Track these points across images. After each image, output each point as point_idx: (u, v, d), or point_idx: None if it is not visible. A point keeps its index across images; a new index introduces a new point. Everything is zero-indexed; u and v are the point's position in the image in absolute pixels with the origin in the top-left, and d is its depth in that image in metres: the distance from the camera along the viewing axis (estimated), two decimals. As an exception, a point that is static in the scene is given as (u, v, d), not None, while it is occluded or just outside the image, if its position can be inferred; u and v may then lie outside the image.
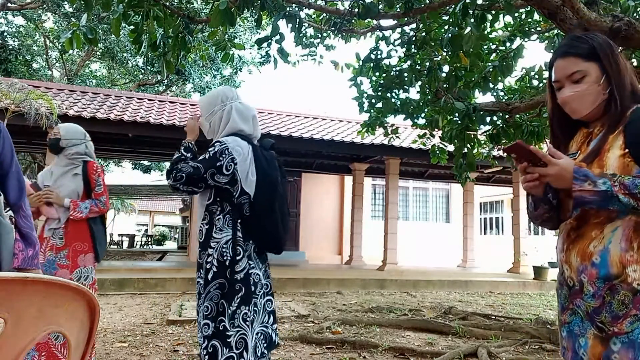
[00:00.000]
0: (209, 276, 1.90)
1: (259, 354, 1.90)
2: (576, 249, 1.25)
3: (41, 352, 2.61)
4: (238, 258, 1.91)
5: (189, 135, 2.14)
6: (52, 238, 2.75)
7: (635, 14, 4.00)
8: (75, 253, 2.73)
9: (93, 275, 2.80)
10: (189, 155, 2.02)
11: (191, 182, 1.91)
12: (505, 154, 1.33)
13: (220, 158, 1.92)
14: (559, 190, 1.30)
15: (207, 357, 1.83)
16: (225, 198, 1.97)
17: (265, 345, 1.95)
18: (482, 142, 6.10)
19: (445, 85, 4.75)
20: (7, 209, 1.59)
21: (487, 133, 5.47)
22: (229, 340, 1.82)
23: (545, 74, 5.08)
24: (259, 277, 1.97)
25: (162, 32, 4.25)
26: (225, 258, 1.90)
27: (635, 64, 4.44)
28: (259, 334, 1.93)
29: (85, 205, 2.79)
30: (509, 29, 5.14)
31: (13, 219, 1.60)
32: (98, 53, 16.49)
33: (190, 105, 11.13)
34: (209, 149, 1.97)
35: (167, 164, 18.01)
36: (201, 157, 1.96)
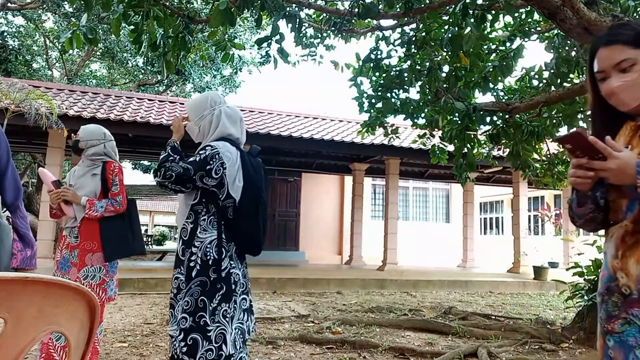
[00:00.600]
0: (192, 273, 1.98)
1: (238, 347, 2.01)
2: (635, 256, 1.15)
3: (41, 353, 2.61)
4: (221, 258, 2.00)
5: (175, 134, 2.20)
6: (69, 237, 2.80)
7: (635, 14, 4.00)
8: (83, 252, 2.76)
9: (101, 275, 2.78)
10: (176, 156, 2.07)
11: (180, 182, 1.98)
12: (562, 144, 1.19)
13: (211, 162, 1.99)
14: (610, 188, 1.21)
15: (185, 348, 1.90)
16: (211, 200, 2.05)
17: (242, 339, 2.06)
18: (482, 142, 6.11)
19: (445, 85, 4.75)
20: (4, 209, 1.59)
21: (487, 133, 5.47)
22: (209, 334, 1.92)
23: (546, 74, 5.08)
24: (238, 277, 2.07)
25: (162, 32, 4.25)
26: (208, 257, 1.98)
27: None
28: (237, 329, 2.04)
29: (101, 204, 2.82)
30: (509, 29, 5.14)
31: (10, 220, 1.60)
32: (98, 53, 16.49)
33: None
34: (200, 152, 2.03)
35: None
36: (192, 159, 2.02)
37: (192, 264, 1.99)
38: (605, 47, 1.24)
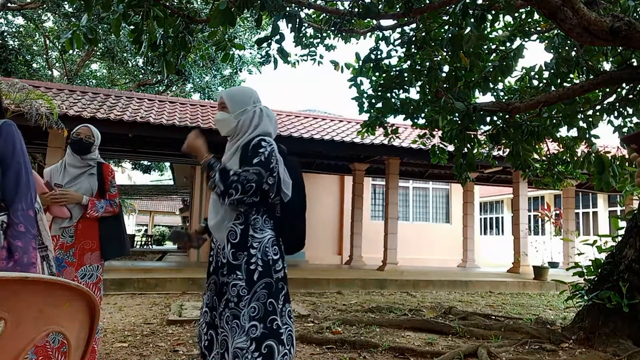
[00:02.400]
0: (255, 276, 1.87)
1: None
2: None
3: (39, 355, 2.61)
4: (278, 257, 1.95)
5: (203, 154, 1.99)
6: (62, 236, 2.78)
7: (635, 14, 4.00)
8: (82, 251, 2.77)
9: (98, 274, 2.82)
10: (228, 168, 1.92)
11: (258, 190, 1.88)
12: (627, 144, 1.16)
13: (272, 160, 1.92)
14: None
15: (260, 358, 1.79)
16: (262, 198, 1.96)
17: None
18: (482, 142, 6.10)
19: (445, 85, 4.75)
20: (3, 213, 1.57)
21: (487, 133, 5.47)
22: (282, 337, 1.85)
23: (546, 74, 5.08)
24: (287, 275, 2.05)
25: (162, 32, 4.25)
26: (269, 257, 1.91)
27: (635, 63, 4.44)
28: None
29: (102, 204, 2.86)
30: (509, 29, 5.14)
31: (3, 225, 1.56)
32: (98, 53, 16.49)
33: (190, 105, 11.13)
34: (259, 150, 1.91)
35: (167, 164, 18.04)
36: (256, 160, 1.88)
37: (252, 267, 1.87)
38: None
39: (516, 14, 4.81)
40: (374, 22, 5.15)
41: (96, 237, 2.82)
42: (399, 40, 5.07)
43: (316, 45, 5.63)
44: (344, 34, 5.15)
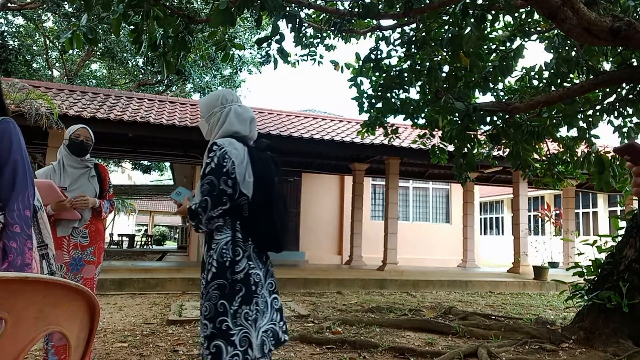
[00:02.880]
0: (209, 277, 1.92)
1: (266, 351, 1.93)
2: None
3: (60, 354, 2.67)
4: (238, 259, 1.93)
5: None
6: (73, 237, 2.84)
7: (635, 14, 4.00)
8: (99, 250, 2.91)
9: (99, 271, 3.01)
10: (194, 203, 1.99)
11: (218, 203, 1.90)
12: (620, 156, 1.16)
13: (224, 163, 1.92)
14: None
15: (209, 357, 1.83)
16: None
17: (273, 342, 1.98)
18: (482, 142, 6.10)
19: (445, 85, 4.74)
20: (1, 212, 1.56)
21: (487, 133, 5.46)
22: (232, 339, 1.84)
23: (546, 74, 5.08)
24: (259, 277, 1.98)
25: (162, 32, 4.25)
26: (225, 259, 1.91)
27: (635, 63, 4.44)
28: (268, 332, 1.97)
29: (107, 206, 2.98)
30: (509, 29, 5.14)
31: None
32: (98, 53, 16.49)
33: (190, 105, 11.12)
34: (210, 155, 1.95)
35: (167, 164, 18.05)
36: (207, 169, 1.93)
37: (209, 267, 1.93)
38: None
39: (516, 14, 4.81)
40: (374, 22, 5.15)
41: (104, 236, 2.99)
42: (399, 40, 5.07)
43: (316, 45, 5.63)
44: (344, 34, 5.15)
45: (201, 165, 2.09)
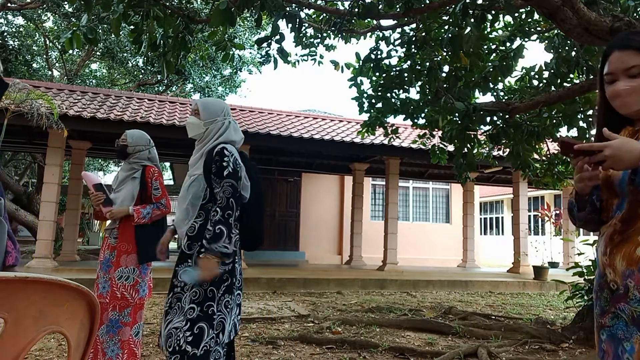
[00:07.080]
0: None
1: (231, 338, 2.10)
2: (621, 253, 1.20)
3: (124, 349, 2.76)
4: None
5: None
6: (110, 237, 2.90)
7: (635, 14, 4.00)
8: (119, 253, 2.85)
9: (134, 277, 2.87)
10: (209, 228, 2.06)
11: (238, 204, 2.06)
12: (563, 154, 1.26)
13: (237, 167, 2.10)
14: (602, 189, 1.28)
15: (190, 337, 1.95)
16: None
17: (233, 333, 2.15)
18: (482, 142, 6.10)
19: (445, 85, 4.75)
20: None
21: (487, 133, 5.47)
22: (213, 322, 2.00)
23: (546, 74, 5.08)
24: (238, 271, 2.16)
25: (162, 32, 4.25)
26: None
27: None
28: (235, 322, 2.13)
29: (147, 210, 2.91)
30: (509, 29, 5.14)
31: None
32: (98, 53, 16.48)
33: (190, 105, 11.12)
34: (225, 159, 2.08)
35: (167, 164, 18.04)
36: (225, 172, 2.05)
37: (201, 255, 2.03)
38: (619, 51, 1.28)
39: (516, 14, 4.81)
40: (374, 22, 5.15)
41: (132, 240, 2.86)
42: (399, 40, 5.07)
43: (316, 45, 5.63)
44: (344, 34, 5.15)
45: None
